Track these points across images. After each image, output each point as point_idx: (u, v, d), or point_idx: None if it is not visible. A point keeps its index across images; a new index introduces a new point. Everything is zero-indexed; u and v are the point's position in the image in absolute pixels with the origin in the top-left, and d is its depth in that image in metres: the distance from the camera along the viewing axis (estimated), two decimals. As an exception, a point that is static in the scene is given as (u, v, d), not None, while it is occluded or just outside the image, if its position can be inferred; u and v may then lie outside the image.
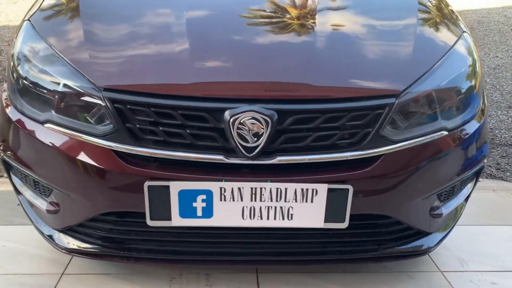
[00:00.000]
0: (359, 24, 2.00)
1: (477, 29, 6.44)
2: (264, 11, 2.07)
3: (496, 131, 3.57)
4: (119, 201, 1.65)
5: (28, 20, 1.89)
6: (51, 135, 1.63)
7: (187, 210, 1.58)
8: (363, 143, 1.59)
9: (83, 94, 1.59)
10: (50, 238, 1.84)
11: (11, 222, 2.26)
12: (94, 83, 1.57)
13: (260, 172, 1.59)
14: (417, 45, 1.82)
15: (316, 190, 1.57)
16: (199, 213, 1.58)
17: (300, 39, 1.88)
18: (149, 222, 1.61)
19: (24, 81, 1.71)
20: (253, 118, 1.50)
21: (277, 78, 1.64)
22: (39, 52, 1.74)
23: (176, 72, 1.62)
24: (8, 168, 1.86)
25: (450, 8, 2.18)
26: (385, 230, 1.78)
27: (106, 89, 1.55)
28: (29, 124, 1.68)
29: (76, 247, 1.79)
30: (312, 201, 1.58)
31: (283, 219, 1.61)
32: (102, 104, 1.55)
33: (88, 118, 1.59)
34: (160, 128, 1.55)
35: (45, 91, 1.65)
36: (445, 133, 1.69)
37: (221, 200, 1.57)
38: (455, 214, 1.98)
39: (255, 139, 1.52)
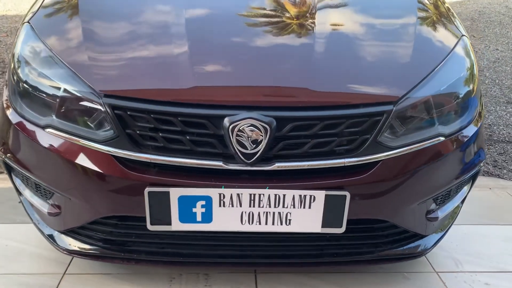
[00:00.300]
0: (359, 25, 2.01)
1: (477, 20, 6.41)
2: (264, 8, 2.08)
3: (494, 127, 3.59)
4: (119, 205, 1.67)
5: (28, 22, 1.90)
6: (52, 139, 1.65)
7: (186, 215, 1.60)
8: (361, 149, 1.61)
9: (83, 99, 1.60)
10: (51, 238, 1.86)
11: (13, 221, 2.28)
12: (94, 88, 1.58)
13: (258, 178, 1.61)
14: (416, 49, 1.83)
15: (314, 197, 1.59)
16: (199, 218, 1.61)
17: (300, 41, 1.88)
18: (149, 227, 1.63)
19: (24, 84, 1.72)
20: (252, 125, 1.52)
21: (276, 85, 1.65)
22: (38, 55, 1.75)
23: (175, 79, 1.63)
24: (10, 169, 1.88)
25: (450, 12, 2.18)
26: (381, 233, 1.81)
27: (107, 96, 1.56)
28: (30, 128, 1.69)
29: (77, 249, 1.81)
30: (310, 207, 1.61)
31: (281, 224, 1.64)
32: (102, 109, 1.57)
33: (89, 123, 1.61)
34: (160, 134, 1.56)
35: (45, 95, 1.66)
36: (442, 139, 1.71)
37: (220, 206, 1.59)
38: (451, 216, 2.01)
39: (254, 145, 1.54)
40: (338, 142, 1.60)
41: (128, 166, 1.59)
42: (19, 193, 1.92)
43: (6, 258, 2.06)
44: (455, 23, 2.08)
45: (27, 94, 1.71)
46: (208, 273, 1.99)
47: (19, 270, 1.99)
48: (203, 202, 1.58)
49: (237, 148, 1.54)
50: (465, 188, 1.98)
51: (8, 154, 1.79)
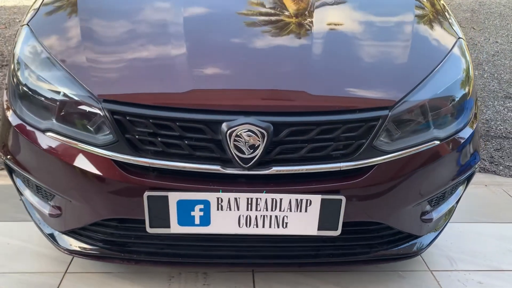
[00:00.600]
0: (356, 27, 2.02)
1: (478, 12, 6.39)
2: (263, 5, 2.09)
3: (492, 123, 3.60)
4: (119, 208, 1.70)
5: (27, 24, 1.91)
6: (52, 143, 1.67)
7: (185, 219, 1.63)
8: (357, 154, 1.63)
9: (83, 104, 1.62)
10: (51, 238, 1.89)
11: (14, 219, 2.31)
12: (92, 92, 1.60)
13: (256, 182, 1.64)
14: (412, 52, 1.84)
15: (310, 201, 1.62)
16: (197, 221, 1.64)
17: (298, 43, 1.91)
18: (149, 230, 1.66)
19: (24, 87, 1.73)
20: (250, 130, 1.54)
21: (273, 90, 1.67)
22: (37, 58, 1.76)
23: (173, 84, 1.64)
24: (11, 170, 1.90)
25: (446, 10, 2.19)
26: (376, 234, 1.84)
27: (106, 101, 1.58)
28: (30, 131, 1.71)
29: (78, 249, 1.84)
30: (306, 211, 1.64)
31: (278, 227, 1.67)
32: (101, 114, 1.59)
33: (88, 127, 1.63)
34: (159, 139, 1.59)
35: (45, 99, 1.68)
36: (437, 142, 1.73)
37: (218, 209, 1.62)
38: (446, 216, 2.03)
39: (251, 150, 1.56)
40: (334, 146, 1.62)
41: (128, 170, 1.62)
42: (20, 193, 1.94)
43: (7, 256, 2.09)
44: (452, 23, 2.09)
45: (27, 97, 1.73)
46: (206, 272, 2.03)
47: (21, 269, 2.02)
48: (201, 206, 1.61)
49: (235, 153, 1.57)
50: (460, 189, 2.01)
51: (9, 156, 1.82)
